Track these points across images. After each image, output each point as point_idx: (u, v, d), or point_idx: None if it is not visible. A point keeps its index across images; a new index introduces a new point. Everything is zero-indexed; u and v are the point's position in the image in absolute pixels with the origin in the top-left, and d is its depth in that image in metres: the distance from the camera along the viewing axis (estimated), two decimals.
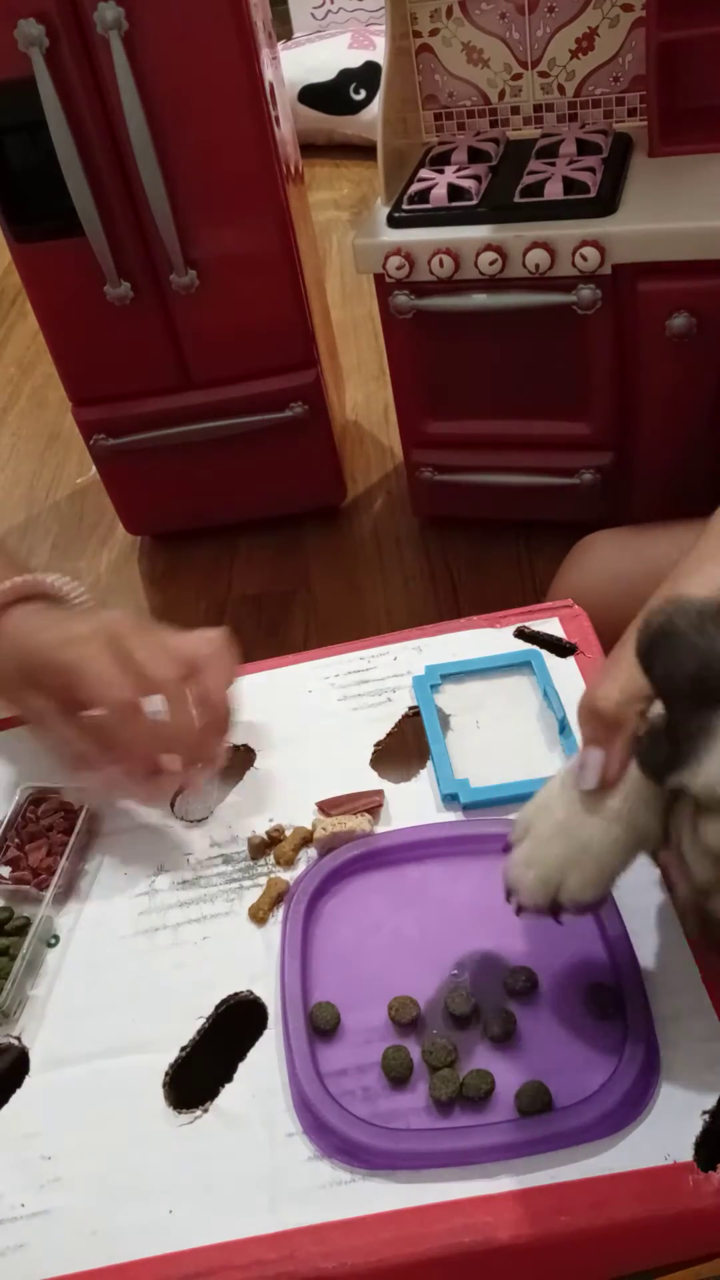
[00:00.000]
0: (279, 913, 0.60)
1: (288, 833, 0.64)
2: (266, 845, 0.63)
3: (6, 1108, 0.54)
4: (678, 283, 1.06)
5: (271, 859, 0.63)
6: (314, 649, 0.77)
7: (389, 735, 0.69)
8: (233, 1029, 0.55)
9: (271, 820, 0.65)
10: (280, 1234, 0.47)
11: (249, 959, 0.58)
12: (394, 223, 1.14)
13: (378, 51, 2.33)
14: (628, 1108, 0.49)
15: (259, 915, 0.59)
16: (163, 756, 0.63)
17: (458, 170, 1.18)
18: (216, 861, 0.63)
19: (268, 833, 0.63)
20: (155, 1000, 0.57)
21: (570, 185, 1.10)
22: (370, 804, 0.64)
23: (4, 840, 0.65)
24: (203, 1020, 0.55)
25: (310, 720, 0.69)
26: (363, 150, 2.33)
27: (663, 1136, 0.48)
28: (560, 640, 0.73)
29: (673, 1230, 0.47)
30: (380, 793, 0.65)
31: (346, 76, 2.37)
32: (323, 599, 1.37)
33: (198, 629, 0.65)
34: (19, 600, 0.66)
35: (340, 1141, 0.50)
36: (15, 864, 0.64)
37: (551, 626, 0.74)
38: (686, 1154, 0.47)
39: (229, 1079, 0.53)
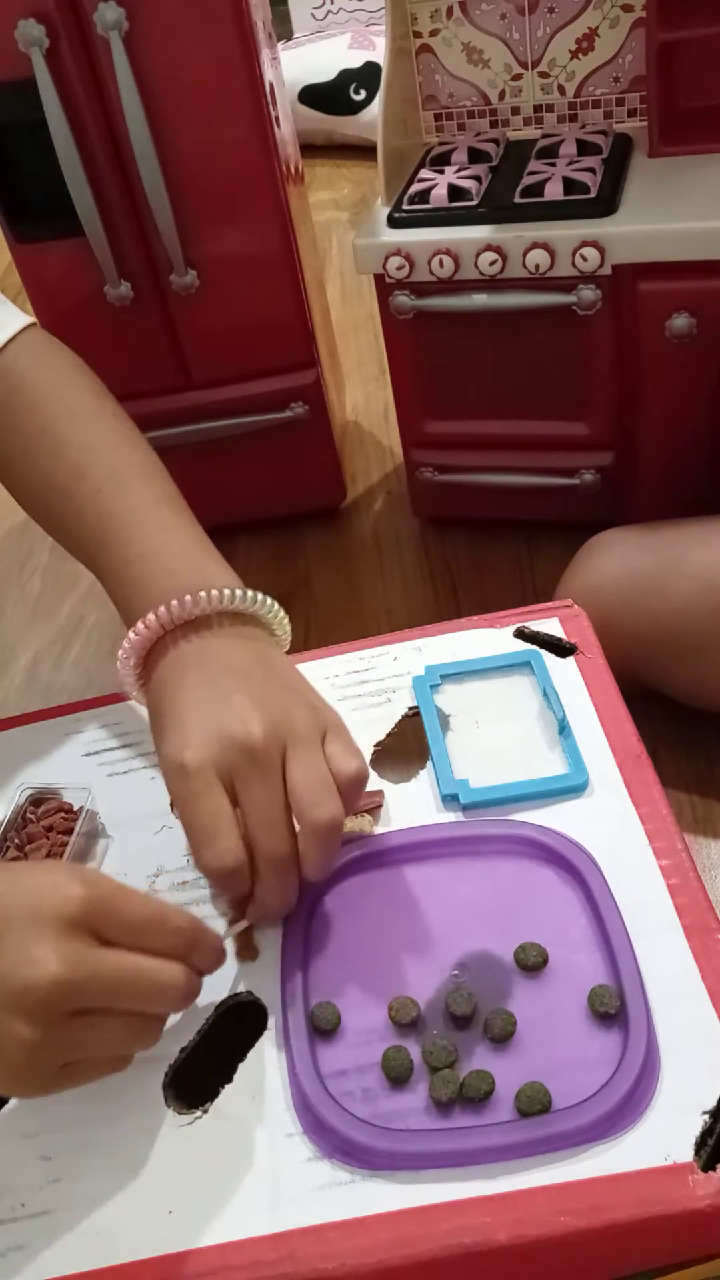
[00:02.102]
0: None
1: None
2: None
3: (6, 1108, 0.54)
4: (678, 283, 1.06)
5: None
6: (314, 649, 0.77)
7: (389, 736, 0.69)
8: (233, 1029, 0.55)
9: None
10: (280, 1234, 0.48)
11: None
12: (394, 223, 1.14)
13: (378, 51, 2.32)
14: (628, 1108, 0.49)
15: (249, 953, 0.58)
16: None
17: (458, 170, 1.18)
18: None
19: None
20: None
21: (570, 185, 1.10)
22: (370, 804, 0.64)
23: (4, 841, 0.65)
24: (203, 1020, 0.55)
25: None
26: (363, 150, 2.33)
27: (663, 1136, 0.48)
28: (560, 640, 0.73)
29: (673, 1230, 0.47)
30: (380, 793, 0.65)
31: (346, 77, 2.37)
32: (323, 599, 1.37)
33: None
34: (187, 625, 0.58)
35: (340, 1142, 0.50)
36: None
37: (551, 626, 0.74)
38: (686, 1154, 0.47)
39: (229, 1079, 0.53)
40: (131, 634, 0.58)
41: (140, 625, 0.58)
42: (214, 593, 0.58)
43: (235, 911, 0.59)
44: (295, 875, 0.54)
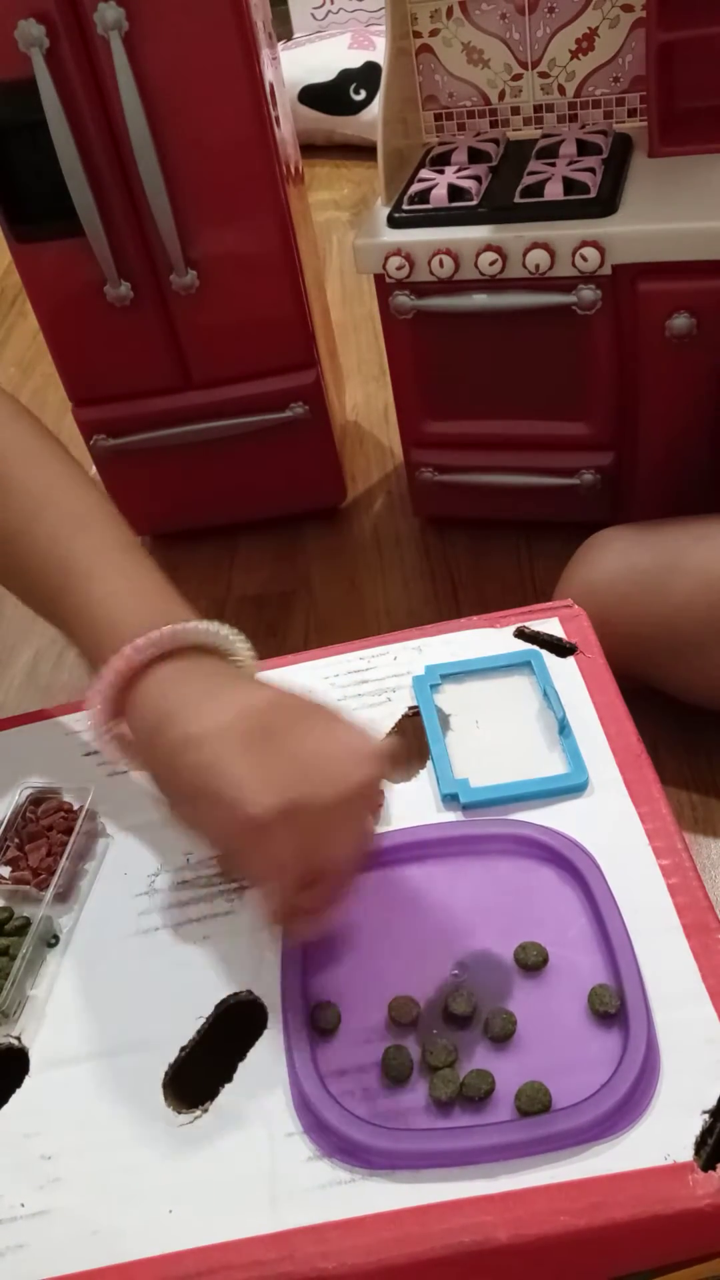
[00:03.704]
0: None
1: None
2: None
3: (6, 1108, 0.54)
4: (678, 283, 1.06)
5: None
6: (314, 649, 0.77)
7: (389, 735, 0.69)
8: (233, 1029, 0.55)
9: None
10: (280, 1234, 0.48)
11: (249, 959, 0.58)
12: (394, 223, 1.14)
13: (378, 51, 2.32)
14: (628, 1108, 0.49)
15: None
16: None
17: (458, 170, 1.18)
18: (216, 860, 0.63)
19: None
20: (155, 1000, 0.57)
21: (570, 185, 1.10)
22: (370, 804, 0.64)
23: (4, 840, 0.65)
24: (203, 1020, 0.55)
25: None
26: (363, 150, 2.33)
27: (663, 1136, 0.48)
28: (560, 640, 0.73)
29: (673, 1230, 0.47)
30: (380, 793, 0.65)
31: (346, 77, 2.37)
32: (323, 599, 1.37)
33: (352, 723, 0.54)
34: (166, 655, 0.55)
35: (340, 1141, 0.50)
36: (15, 864, 0.64)
37: (551, 626, 0.74)
38: (686, 1154, 0.47)
39: (229, 1079, 0.53)
40: (114, 661, 0.55)
41: (128, 650, 0.55)
42: (200, 624, 0.57)
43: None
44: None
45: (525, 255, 1.08)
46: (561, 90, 1.23)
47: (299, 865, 0.51)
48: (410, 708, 0.70)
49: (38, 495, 0.63)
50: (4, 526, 0.63)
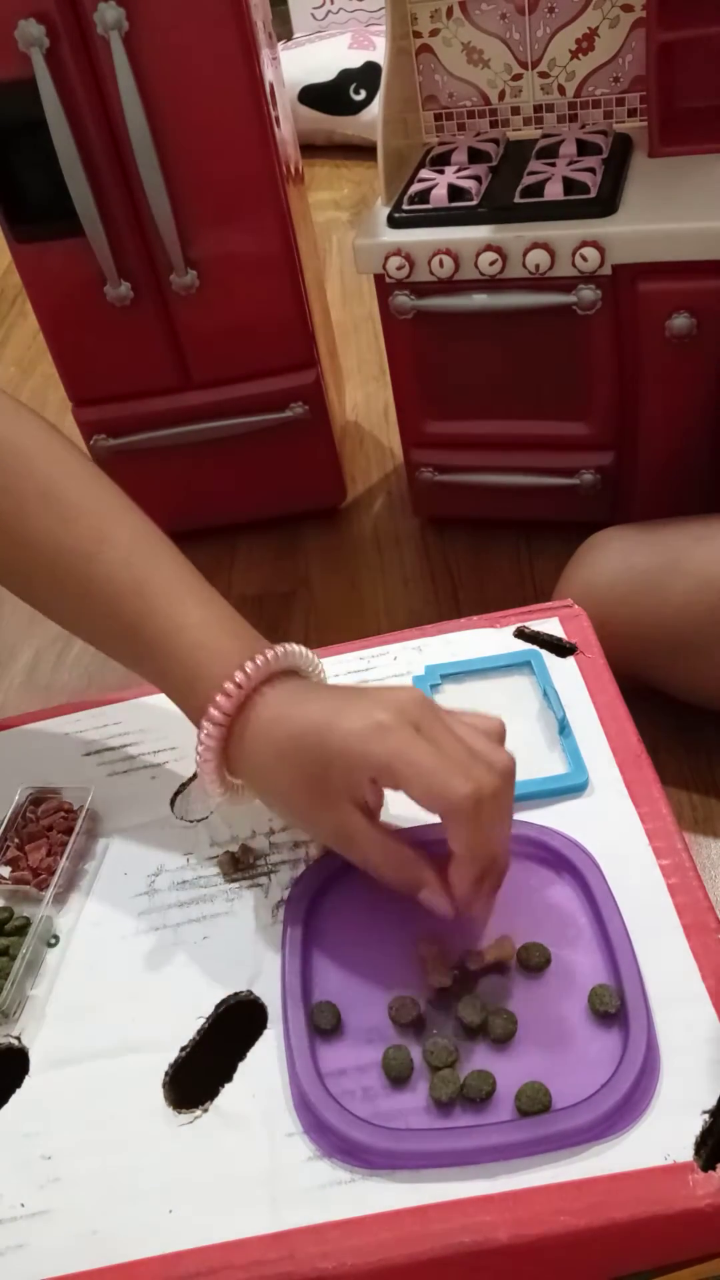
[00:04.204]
0: (279, 913, 0.60)
1: (263, 843, 0.63)
2: (237, 863, 0.62)
3: (6, 1108, 0.54)
4: (678, 283, 1.06)
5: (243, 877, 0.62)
6: (314, 649, 0.77)
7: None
8: (233, 1029, 0.55)
9: (251, 835, 0.65)
10: (280, 1234, 0.47)
11: (249, 959, 0.58)
12: (394, 223, 1.14)
13: (378, 51, 2.32)
14: (628, 1108, 0.49)
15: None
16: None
17: (458, 171, 1.18)
18: (215, 861, 0.63)
19: (239, 849, 0.63)
20: (155, 1000, 0.57)
21: (570, 186, 1.10)
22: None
23: (4, 840, 0.65)
24: (203, 1020, 0.55)
25: None
26: (363, 150, 2.33)
27: (663, 1136, 0.48)
28: (560, 640, 0.73)
29: (672, 1230, 0.47)
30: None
31: (346, 76, 2.37)
32: (323, 599, 1.37)
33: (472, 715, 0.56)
34: (268, 680, 0.56)
35: (340, 1141, 0.50)
36: (15, 864, 0.64)
37: (551, 626, 0.74)
38: (686, 1154, 0.47)
39: (229, 1079, 0.53)
40: (228, 685, 0.55)
41: (235, 679, 0.55)
42: (293, 647, 0.58)
43: (470, 872, 0.53)
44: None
45: (525, 255, 1.08)
46: (561, 90, 1.23)
47: (490, 847, 0.53)
48: None
49: (99, 515, 0.61)
50: (68, 547, 0.60)
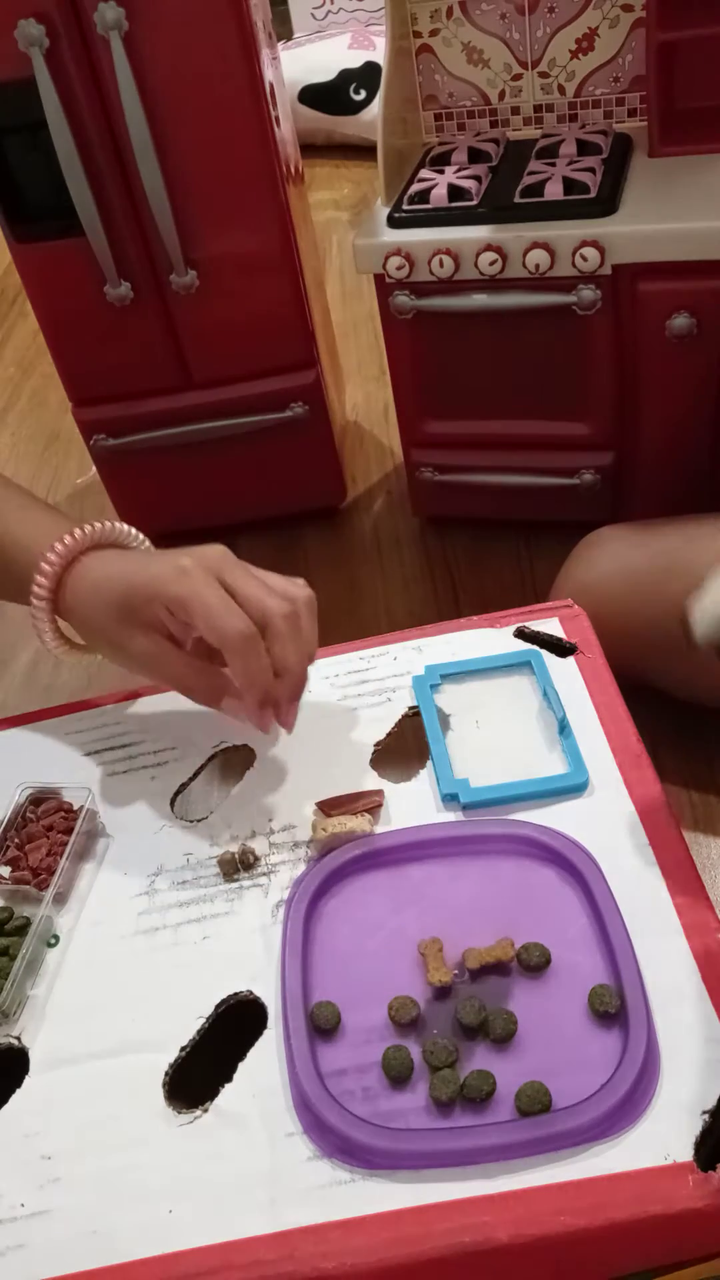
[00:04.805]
0: (279, 913, 0.60)
1: (267, 841, 0.63)
2: (237, 863, 0.62)
3: (6, 1108, 0.54)
4: (678, 283, 1.06)
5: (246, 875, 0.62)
6: None
7: (389, 735, 0.69)
8: (233, 1029, 0.55)
9: (251, 834, 0.65)
10: (280, 1234, 0.48)
11: (249, 959, 0.58)
12: (394, 223, 1.14)
13: (378, 51, 2.32)
14: (627, 1108, 0.49)
15: None
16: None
17: (458, 170, 1.18)
18: (216, 861, 0.63)
19: (239, 850, 0.63)
20: (155, 1000, 0.57)
21: (570, 185, 1.10)
22: (370, 804, 0.64)
23: (4, 840, 0.65)
24: (203, 1020, 0.55)
25: (310, 720, 0.69)
26: (363, 150, 2.33)
27: (663, 1136, 0.48)
28: (560, 640, 0.73)
29: (673, 1230, 0.47)
30: (380, 793, 0.65)
31: (346, 76, 2.37)
32: (322, 599, 1.37)
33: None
34: (92, 548, 0.66)
35: (340, 1141, 0.50)
36: (15, 864, 0.64)
37: (551, 626, 0.74)
38: (686, 1154, 0.47)
39: (229, 1079, 0.53)
40: (57, 545, 0.64)
41: (64, 541, 0.64)
42: (115, 524, 0.67)
43: (252, 698, 0.62)
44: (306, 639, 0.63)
45: (525, 255, 1.08)
46: (561, 90, 1.23)
47: (265, 676, 0.61)
48: (410, 708, 0.70)
49: None
50: None
